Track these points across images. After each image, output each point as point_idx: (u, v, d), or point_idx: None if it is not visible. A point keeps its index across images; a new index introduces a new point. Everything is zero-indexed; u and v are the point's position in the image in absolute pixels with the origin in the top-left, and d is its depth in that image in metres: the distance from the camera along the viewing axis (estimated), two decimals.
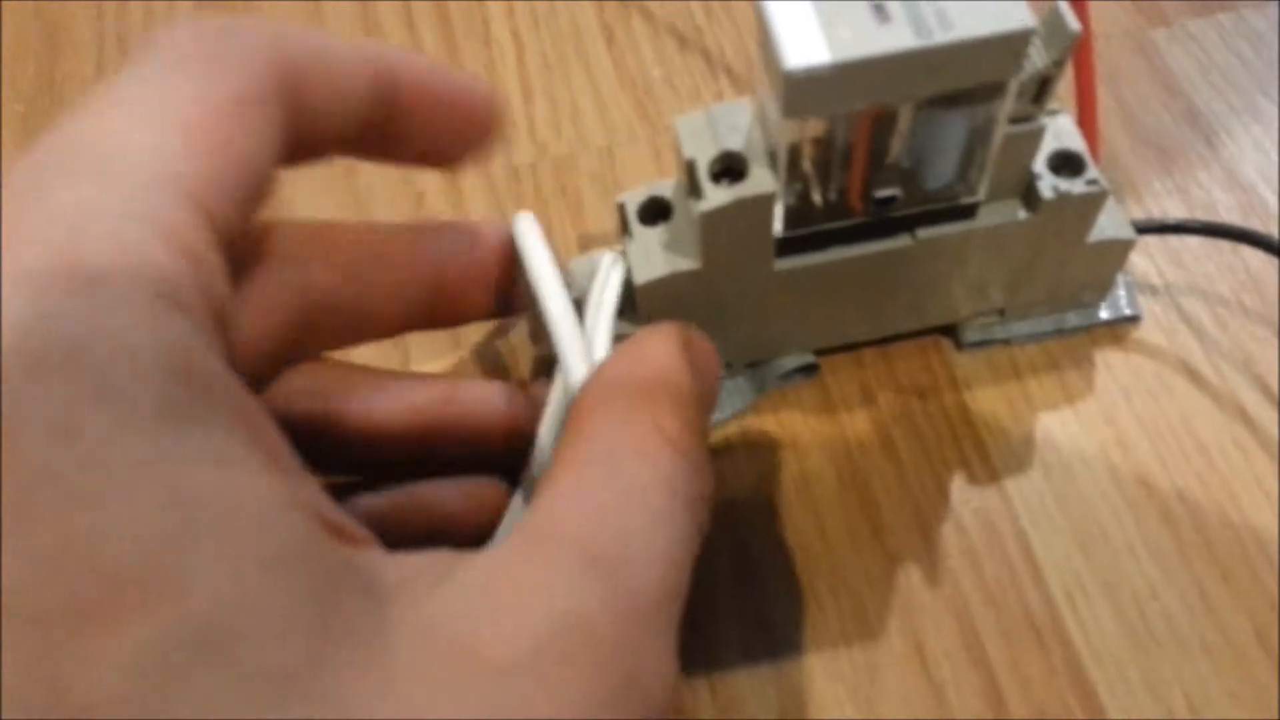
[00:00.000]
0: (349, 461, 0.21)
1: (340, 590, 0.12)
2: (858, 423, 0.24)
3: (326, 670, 0.11)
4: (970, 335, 0.24)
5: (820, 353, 0.24)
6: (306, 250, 0.18)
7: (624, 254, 0.22)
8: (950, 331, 0.25)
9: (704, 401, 0.17)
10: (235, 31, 0.15)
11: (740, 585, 0.22)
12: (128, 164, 0.13)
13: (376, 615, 0.12)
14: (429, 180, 0.29)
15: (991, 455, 0.23)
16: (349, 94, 0.16)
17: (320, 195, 0.28)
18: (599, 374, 0.17)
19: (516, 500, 0.21)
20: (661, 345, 0.17)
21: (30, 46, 0.32)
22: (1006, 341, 0.24)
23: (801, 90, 0.17)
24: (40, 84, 0.31)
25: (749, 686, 0.21)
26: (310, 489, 0.14)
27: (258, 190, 0.15)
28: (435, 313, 0.20)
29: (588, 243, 0.27)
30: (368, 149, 0.18)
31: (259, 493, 0.12)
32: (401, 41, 0.31)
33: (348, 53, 0.16)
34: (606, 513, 0.14)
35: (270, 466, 0.13)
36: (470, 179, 0.29)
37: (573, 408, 0.17)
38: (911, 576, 0.22)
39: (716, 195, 0.19)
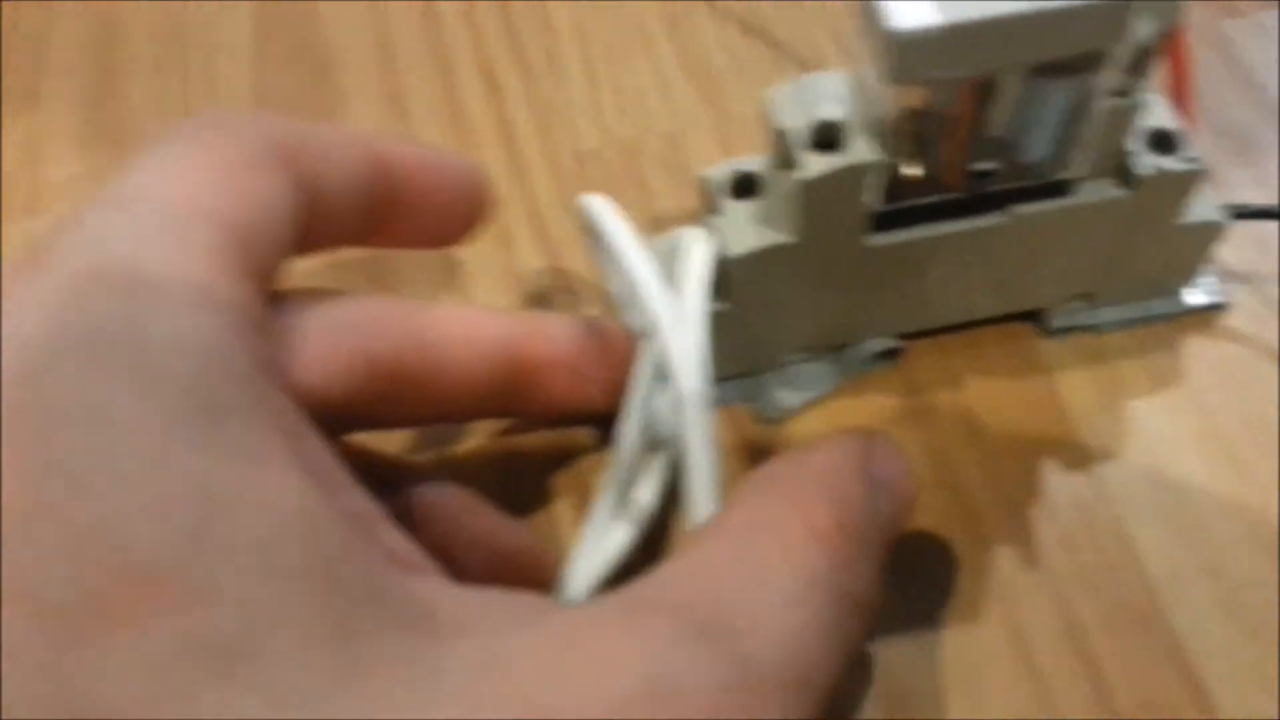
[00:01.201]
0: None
1: (379, 613, 0.11)
2: (943, 408, 0.23)
3: (355, 696, 0.10)
4: (1057, 321, 0.24)
5: (903, 338, 0.24)
6: (379, 318, 0.18)
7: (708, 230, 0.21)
8: (1034, 318, 0.24)
9: (879, 516, 0.16)
10: (236, 115, 0.16)
11: None
12: (158, 201, 0.14)
13: (427, 648, 0.11)
14: (497, 167, 0.28)
15: (1082, 441, 0.23)
16: (347, 171, 0.16)
17: None
18: (763, 467, 0.16)
19: (601, 508, 0.21)
20: (837, 449, 0.17)
21: (88, 41, 0.32)
22: (1093, 328, 0.24)
23: (910, 54, 0.17)
24: (98, 73, 0.31)
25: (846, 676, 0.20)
26: (358, 502, 0.14)
27: (279, 241, 0.15)
28: (514, 398, 0.20)
29: (659, 226, 0.27)
30: (368, 236, 0.18)
31: (294, 497, 0.11)
32: (461, 33, 0.31)
33: (340, 134, 0.17)
34: (724, 583, 0.13)
35: (308, 473, 0.12)
36: (537, 165, 0.28)
37: (728, 495, 0.16)
38: (1006, 564, 0.21)
39: (817, 164, 0.19)
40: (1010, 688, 0.20)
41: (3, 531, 0.10)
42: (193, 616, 0.10)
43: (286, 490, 0.11)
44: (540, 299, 0.26)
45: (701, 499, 0.18)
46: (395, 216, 0.18)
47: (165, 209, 0.13)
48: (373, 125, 0.30)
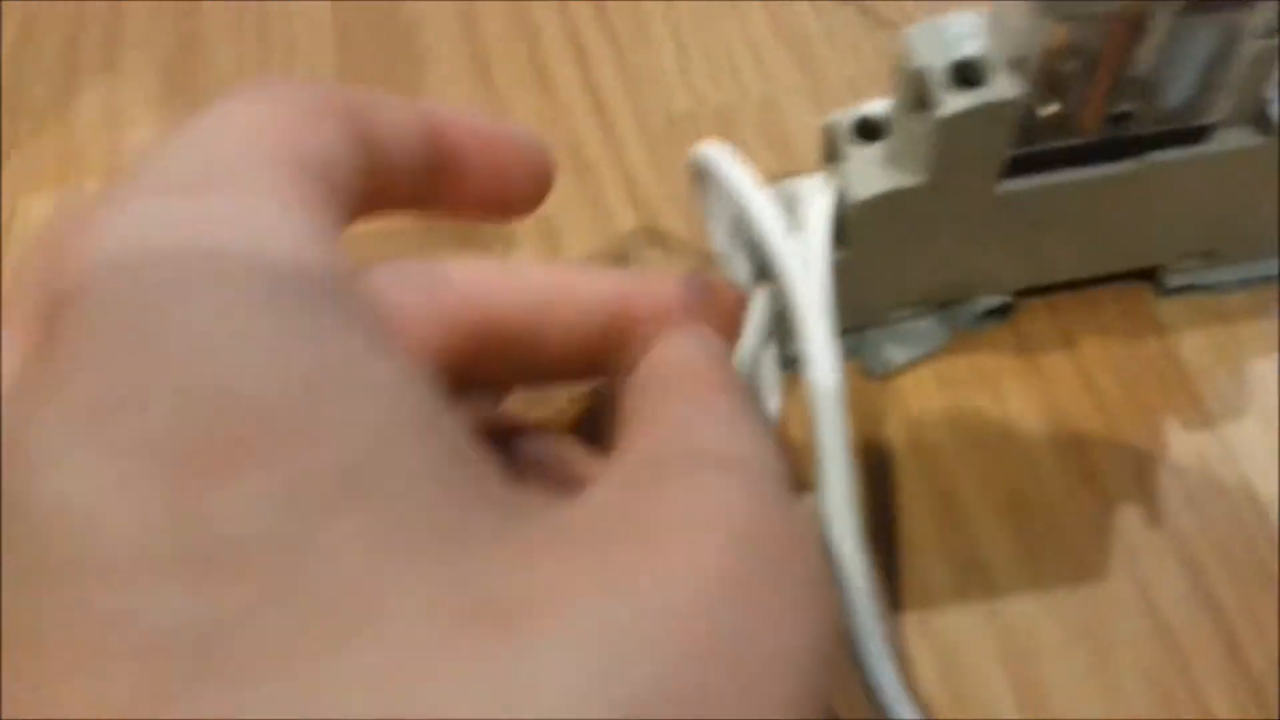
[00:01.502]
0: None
1: (481, 481, 0.12)
2: (1058, 366, 0.23)
3: (473, 534, 0.11)
4: (1174, 280, 0.23)
5: (1015, 296, 0.23)
6: (480, 277, 0.17)
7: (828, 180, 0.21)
8: (1150, 277, 0.24)
9: None
10: (293, 79, 0.17)
11: (946, 528, 0.21)
12: (228, 137, 0.14)
13: (521, 519, 0.12)
14: (587, 131, 0.28)
15: (1204, 399, 0.22)
16: (402, 132, 0.17)
17: None
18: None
19: None
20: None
21: (167, 4, 0.32)
22: (1210, 287, 0.23)
23: None
24: (178, 36, 0.31)
25: (965, 625, 0.20)
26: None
27: (345, 187, 0.15)
28: (619, 358, 0.19)
29: None
30: (425, 203, 0.18)
31: (395, 370, 0.12)
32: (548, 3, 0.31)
33: (396, 101, 0.17)
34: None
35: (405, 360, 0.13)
36: (627, 129, 0.28)
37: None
38: (1130, 519, 0.21)
39: (956, 101, 0.18)
40: (1139, 645, 0.20)
41: (116, 396, 0.11)
42: (314, 454, 0.11)
43: (388, 365, 0.12)
44: (635, 260, 0.26)
45: (834, 465, 0.18)
46: (454, 183, 0.18)
47: (233, 144, 0.14)
48: (457, 92, 0.30)
